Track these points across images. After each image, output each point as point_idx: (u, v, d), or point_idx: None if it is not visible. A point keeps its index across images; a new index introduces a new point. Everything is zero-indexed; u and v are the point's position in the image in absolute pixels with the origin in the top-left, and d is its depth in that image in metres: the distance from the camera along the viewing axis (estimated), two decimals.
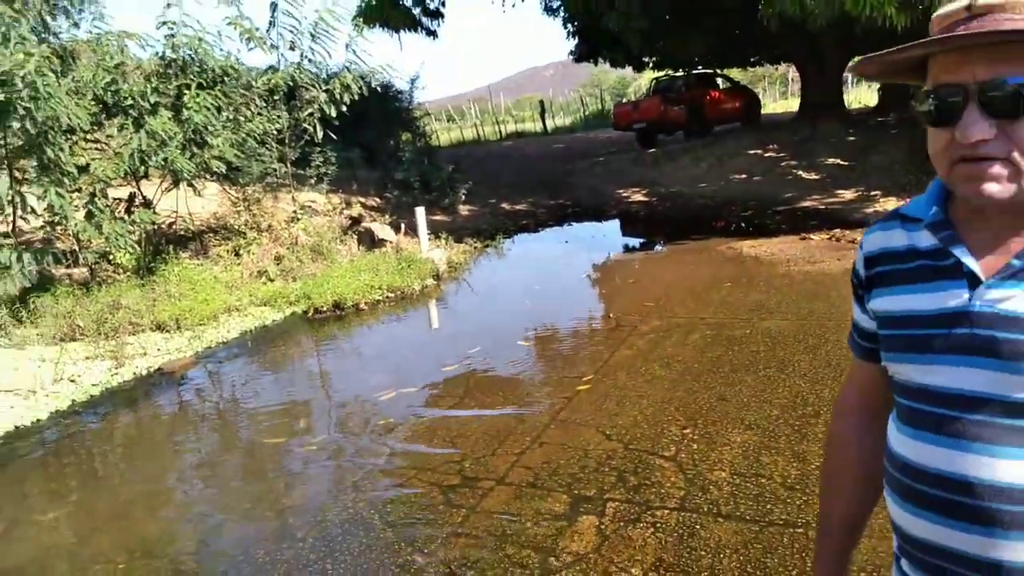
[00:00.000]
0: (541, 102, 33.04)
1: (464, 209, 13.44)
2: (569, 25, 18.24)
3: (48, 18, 7.66)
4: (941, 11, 0.94)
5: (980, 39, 0.87)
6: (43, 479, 4.53)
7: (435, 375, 5.57)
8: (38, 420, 5.32)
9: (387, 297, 8.17)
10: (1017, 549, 0.91)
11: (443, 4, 16.93)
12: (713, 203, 12.58)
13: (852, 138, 14.60)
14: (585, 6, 14.40)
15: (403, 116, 17.15)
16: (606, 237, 11.39)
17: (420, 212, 9.91)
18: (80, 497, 4.17)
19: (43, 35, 7.58)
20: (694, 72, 20.86)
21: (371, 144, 14.40)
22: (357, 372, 6.12)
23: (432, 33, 16.92)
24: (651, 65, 19.84)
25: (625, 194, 14.75)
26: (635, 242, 10.95)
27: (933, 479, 0.97)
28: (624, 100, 29.31)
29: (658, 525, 3.21)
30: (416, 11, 16.38)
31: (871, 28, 9.02)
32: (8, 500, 4.22)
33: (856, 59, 1.32)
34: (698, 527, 3.17)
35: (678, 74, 21.07)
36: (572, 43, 19.09)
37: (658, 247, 10.24)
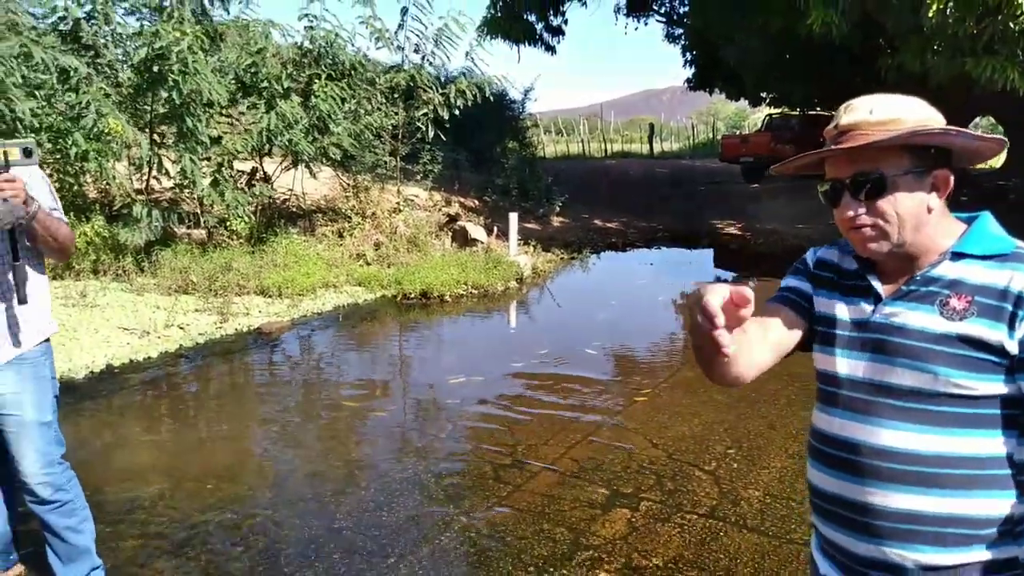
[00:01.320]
0: (651, 125, 33.13)
1: (556, 220, 13.81)
2: (688, 54, 18.37)
3: (206, 2, 8.51)
4: (827, 128, 1.34)
5: (842, 152, 1.28)
6: (147, 407, 5.13)
7: (504, 368, 5.92)
8: (149, 357, 5.97)
9: (471, 293, 8.61)
10: (887, 495, 1.27)
11: (565, 22, 17.39)
12: (808, 244, 12.42)
13: (964, 198, 14.15)
14: (705, 37, 14.54)
15: (512, 125, 17.68)
16: (692, 264, 11.52)
17: (513, 217, 10.32)
18: (175, 426, 4.73)
19: (200, 17, 8.42)
20: (809, 113, 20.58)
21: (478, 148, 14.97)
22: (433, 355, 6.55)
23: (551, 48, 17.39)
24: (767, 101, 19.71)
25: (720, 225, 14.78)
26: (722, 273, 11.03)
27: (832, 442, 1.34)
28: (736, 132, 29.04)
29: (685, 527, 3.45)
30: (538, 26, 16.89)
31: (990, 89, 8.85)
32: (117, 420, 4.82)
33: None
34: (722, 534, 3.38)
35: (793, 113, 20.82)
36: (689, 71, 19.22)
37: (746, 280, 10.29)
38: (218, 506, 3.60)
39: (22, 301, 2.40)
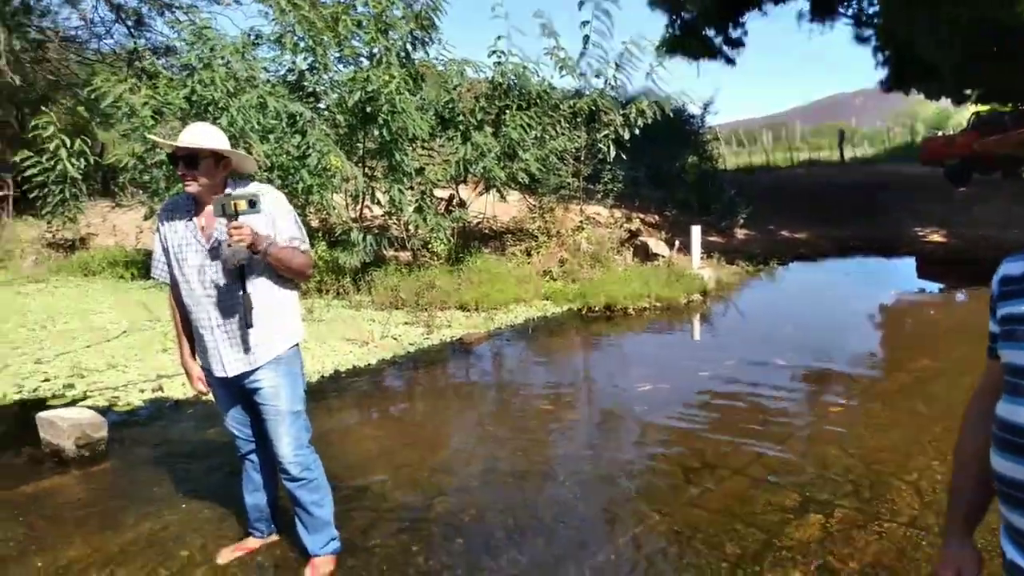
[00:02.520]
0: (841, 131, 31.36)
1: (741, 232, 13.59)
2: (879, 54, 17.40)
3: (409, 47, 9.42)
4: None
5: None
6: (368, 406, 5.80)
7: (690, 377, 6.07)
8: (368, 364, 6.71)
9: (654, 306, 8.78)
10: None
11: (745, 33, 17.13)
12: None
13: None
14: (898, 34, 13.75)
15: (692, 139, 17.61)
16: (891, 275, 10.92)
17: (695, 231, 10.37)
18: (392, 423, 5.34)
19: (404, 61, 9.34)
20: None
21: (658, 164, 15.09)
22: (619, 365, 6.82)
23: (730, 61, 17.20)
24: (973, 98, 18.15)
25: (921, 232, 13.83)
26: (925, 284, 10.37)
27: (1020, 431, 1.39)
28: (938, 134, 26.83)
29: (884, 534, 3.44)
30: (717, 40, 16.78)
31: None
32: (345, 417, 5.51)
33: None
34: (924, 543, 3.35)
35: (1005, 109, 19.00)
36: (882, 72, 18.15)
37: (953, 292, 9.64)
38: (432, 494, 4.04)
39: (249, 325, 2.88)
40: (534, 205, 10.95)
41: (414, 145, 9.39)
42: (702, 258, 10.49)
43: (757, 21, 21.01)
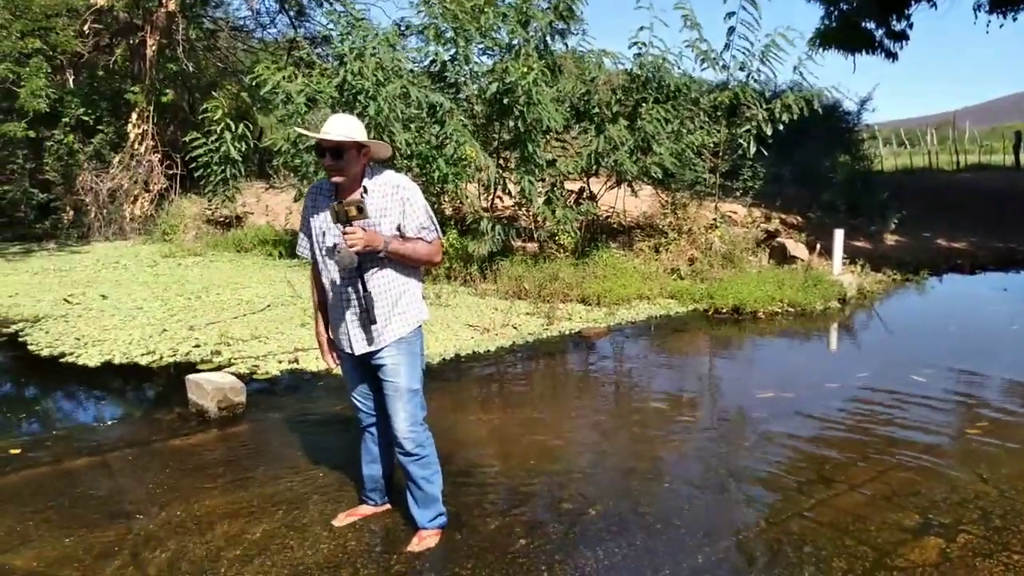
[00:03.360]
0: (1017, 133, 28.60)
1: (891, 238, 12.76)
2: None
3: (548, 39, 9.51)
4: None
5: None
6: (484, 391, 5.96)
7: (816, 387, 5.81)
8: (488, 350, 6.88)
9: (786, 310, 8.43)
10: None
11: (910, 25, 15.99)
12: None
13: None
14: None
15: (844, 138, 16.69)
16: None
17: (838, 234, 9.84)
18: (505, 408, 5.46)
19: (543, 52, 9.45)
20: None
21: (804, 162, 14.41)
22: (742, 369, 6.63)
23: (892, 55, 16.11)
24: None
25: None
26: None
27: None
28: None
29: (1011, 566, 3.19)
30: (878, 32, 15.76)
31: None
32: (461, 399, 5.69)
33: None
34: None
35: None
36: None
37: None
38: (539, 480, 4.12)
39: (372, 321, 3.06)
40: (666, 201, 10.77)
41: (547, 137, 9.47)
42: (844, 264, 9.95)
43: (925, 13, 19.44)
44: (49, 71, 12.06)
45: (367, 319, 3.09)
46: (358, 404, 3.44)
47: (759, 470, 4.27)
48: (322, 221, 3.16)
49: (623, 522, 3.63)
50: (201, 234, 13.27)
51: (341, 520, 3.56)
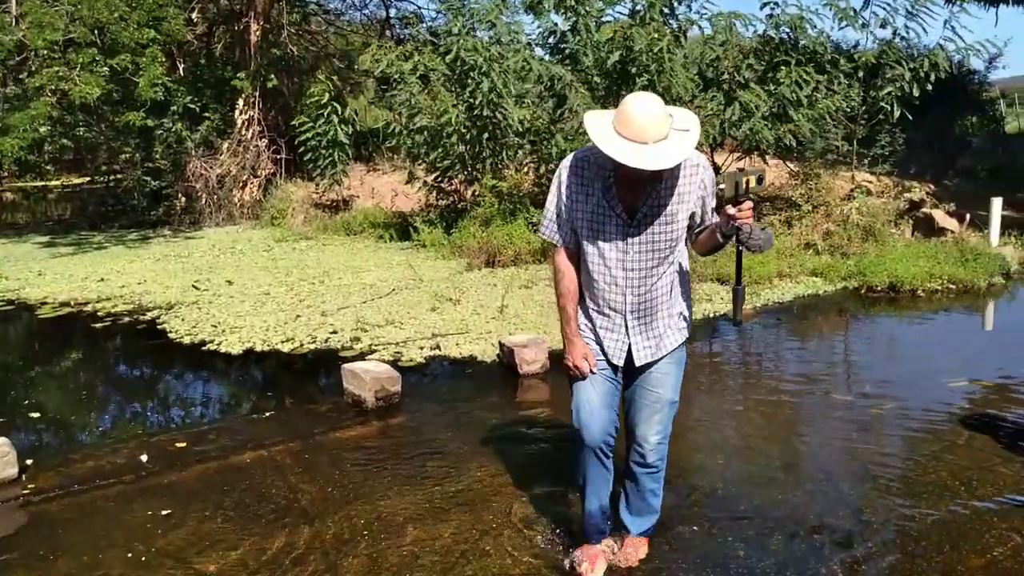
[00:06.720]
0: None
1: None
2: None
3: (675, 2, 8.97)
4: None
5: None
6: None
7: (1009, 374, 5.20)
8: None
9: (947, 288, 7.72)
10: None
11: None
12: None
13: None
14: None
15: (973, 98, 15.47)
16: None
17: (996, 203, 9.00)
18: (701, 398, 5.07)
19: (667, 18, 8.91)
20: None
21: (937, 127, 13.37)
22: (919, 355, 6.03)
23: None
24: None
25: None
26: None
27: None
28: None
29: None
30: None
31: None
32: None
33: None
34: None
35: None
36: None
37: None
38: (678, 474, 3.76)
39: (738, 323, 2.72)
40: (796, 171, 10.08)
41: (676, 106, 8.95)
42: (1002, 235, 9.10)
43: None
44: (164, 60, 12.24)
45: (676, 315, 2.73)
46: (601, 423, 2.78)
47: (909, 461, 3.87)
48: (596, 204, 2.60)
49: (767, 516, 3.35)
50: (310, 218, 13.30)
51: (588, 572, 2.89)
